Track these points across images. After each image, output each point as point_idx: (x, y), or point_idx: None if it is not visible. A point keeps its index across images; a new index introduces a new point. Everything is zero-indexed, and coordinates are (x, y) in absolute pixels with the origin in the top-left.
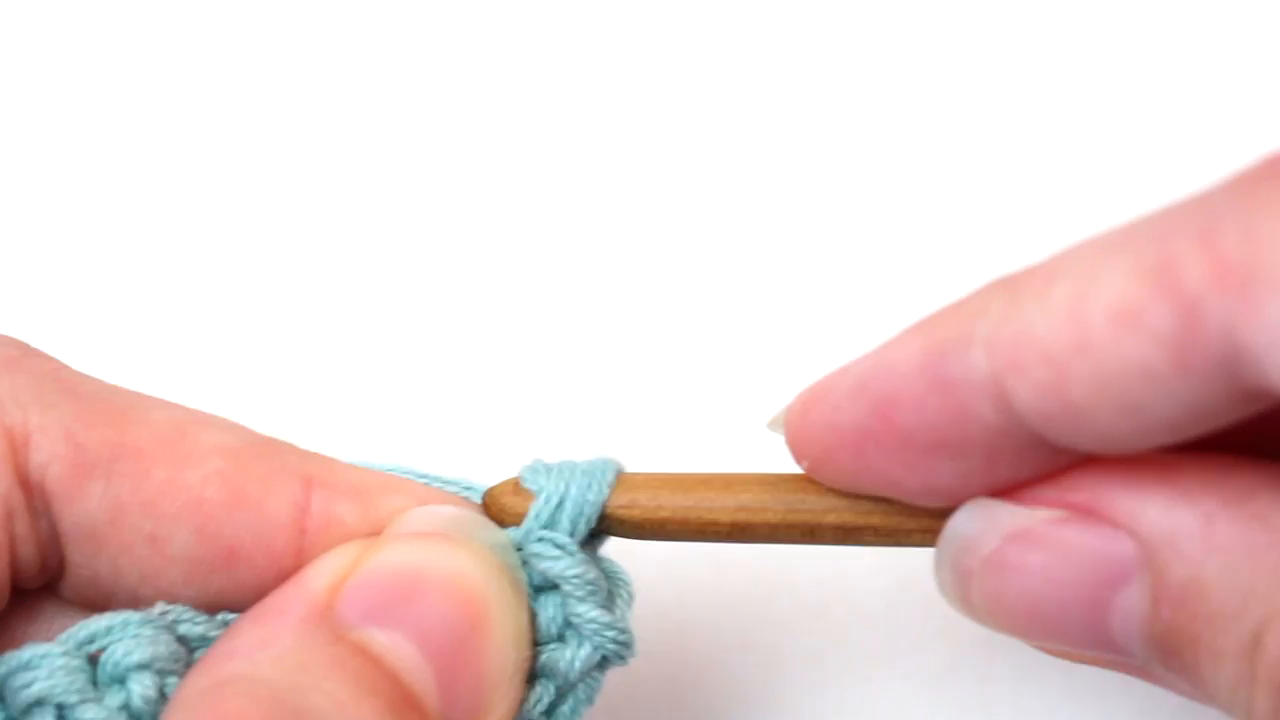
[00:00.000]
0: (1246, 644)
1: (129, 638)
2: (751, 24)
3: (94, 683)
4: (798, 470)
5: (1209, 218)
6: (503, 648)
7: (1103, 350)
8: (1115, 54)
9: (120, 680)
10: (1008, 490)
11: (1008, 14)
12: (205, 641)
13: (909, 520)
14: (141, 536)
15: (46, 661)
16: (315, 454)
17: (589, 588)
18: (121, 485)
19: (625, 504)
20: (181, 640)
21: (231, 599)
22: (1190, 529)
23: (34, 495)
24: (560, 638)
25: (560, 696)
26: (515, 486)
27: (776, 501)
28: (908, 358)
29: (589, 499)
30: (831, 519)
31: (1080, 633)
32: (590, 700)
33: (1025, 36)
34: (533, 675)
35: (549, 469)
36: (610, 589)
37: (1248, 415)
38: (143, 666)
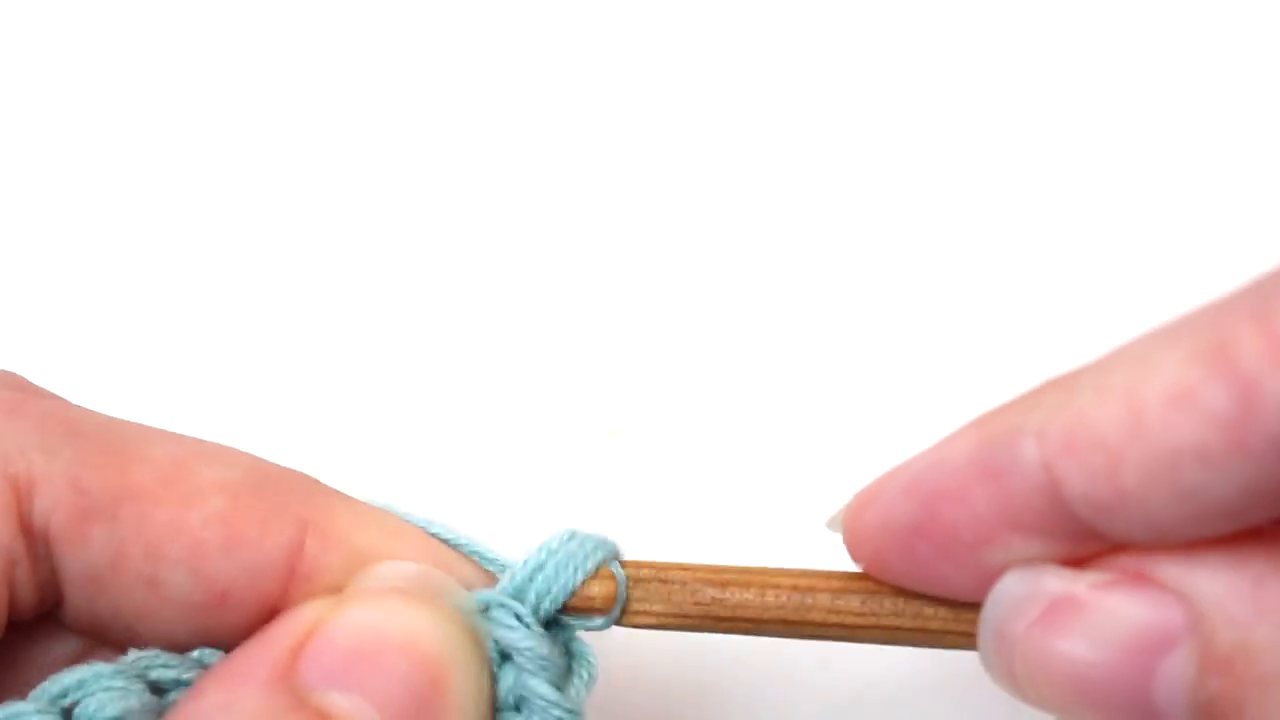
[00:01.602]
0: None
1: (101, 691)
2: (758, 19)
3: None
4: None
5: (1263, 297)
6: (462, 711)
7: (1157, 433)
8: (1116, 53)
9: None
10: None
11: (1007, 14)
12: (179, 685)
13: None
14: (141, 580)
15: (23, 719)
16: (318, 490)
17: (540, 662)
18: (124, 529)
19: (595, 596)
20: (155, 687)
21: (216, 637)
22: (1240, 592)
23: (36, 541)
24: (517, 708)
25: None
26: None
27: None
28: (960, 451)
29: (561, 579)
30: (834, 619)
31: (1124, 701)
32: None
33: (1026, 36)
34: None
35: (554, 538)
36: (570, 666)
37: None
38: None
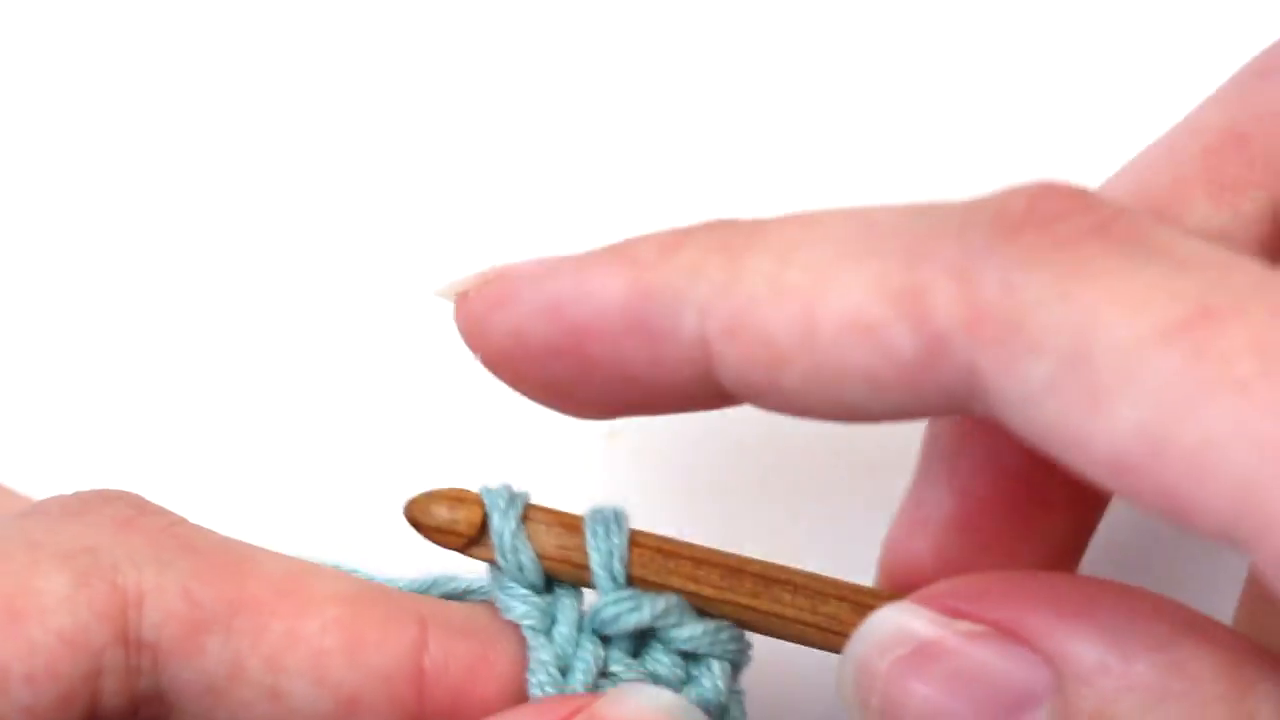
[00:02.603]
0: None
1: None
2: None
3: None
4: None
5: (966, 253)
6: None
7: (828, 352)
8: (1117, 51)
9: None
10: (925, 596)
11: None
12: None
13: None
14: (262, 692)
15: None
16: (425, 596)
17: (678, 610)
18: (240, 641)
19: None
20: None
21: None
22: (1108, 665)
23: (139, 654)
24: (687, 679)
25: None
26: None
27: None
28: (610, 293)
29: (615, 545)
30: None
31: None
32: (745, 717)
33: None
34: None
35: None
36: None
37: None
38: None
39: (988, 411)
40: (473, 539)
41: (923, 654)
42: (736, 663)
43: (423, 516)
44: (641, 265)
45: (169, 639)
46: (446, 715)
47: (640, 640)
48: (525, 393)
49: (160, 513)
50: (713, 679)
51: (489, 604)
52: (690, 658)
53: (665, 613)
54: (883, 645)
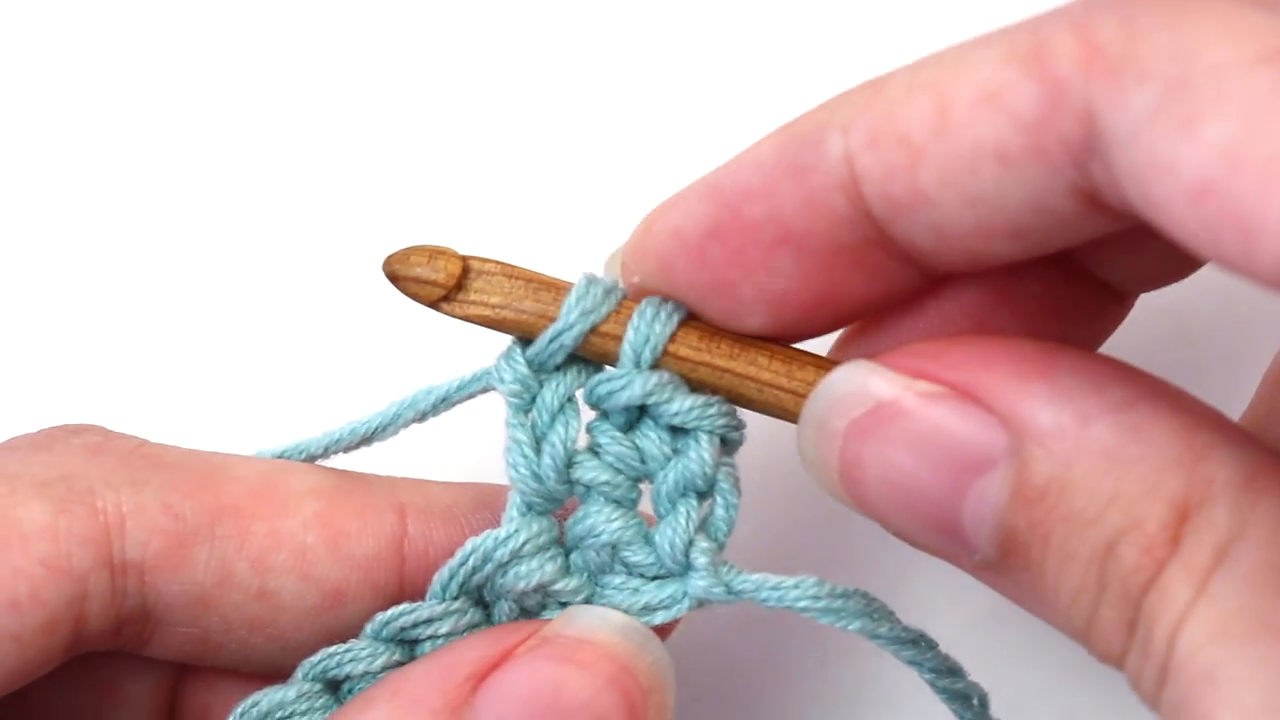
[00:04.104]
0: (1100, 550)
1: (286, 719)
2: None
3: None
4: None
5: (1087, 9)
6: None
7: (960, 131)
8: None
9: None
10: (887, 357)
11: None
12: (366, 677)
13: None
14: (250, 593)
15: None
16: (403, 479)
17: (670, 386)
18: (225, 546)
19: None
20: (334, 685)
21: (339, 636)
22: (1065, 427)
23: (124, 576)
24: (674, 452)
25: (705, 499)
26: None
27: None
28: (762, 152)
29: (656, 330)
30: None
31: (930, 515)
32: (737, 492)
33: None
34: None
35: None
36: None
37: (1083, 235)
38: None
39: (1100, 172)
40: (449, 292)
41: (880, 415)
42: (727, 439)
43: (401, 268)
44: (789, 124)
45: (154, 555)
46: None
47: (635, 416)
48: (687, 296)
49: (126, 437)
50: (699, 451)
51: (466, 484)
52: (679, 433)
53: (657, 388)
54: (841, 404)
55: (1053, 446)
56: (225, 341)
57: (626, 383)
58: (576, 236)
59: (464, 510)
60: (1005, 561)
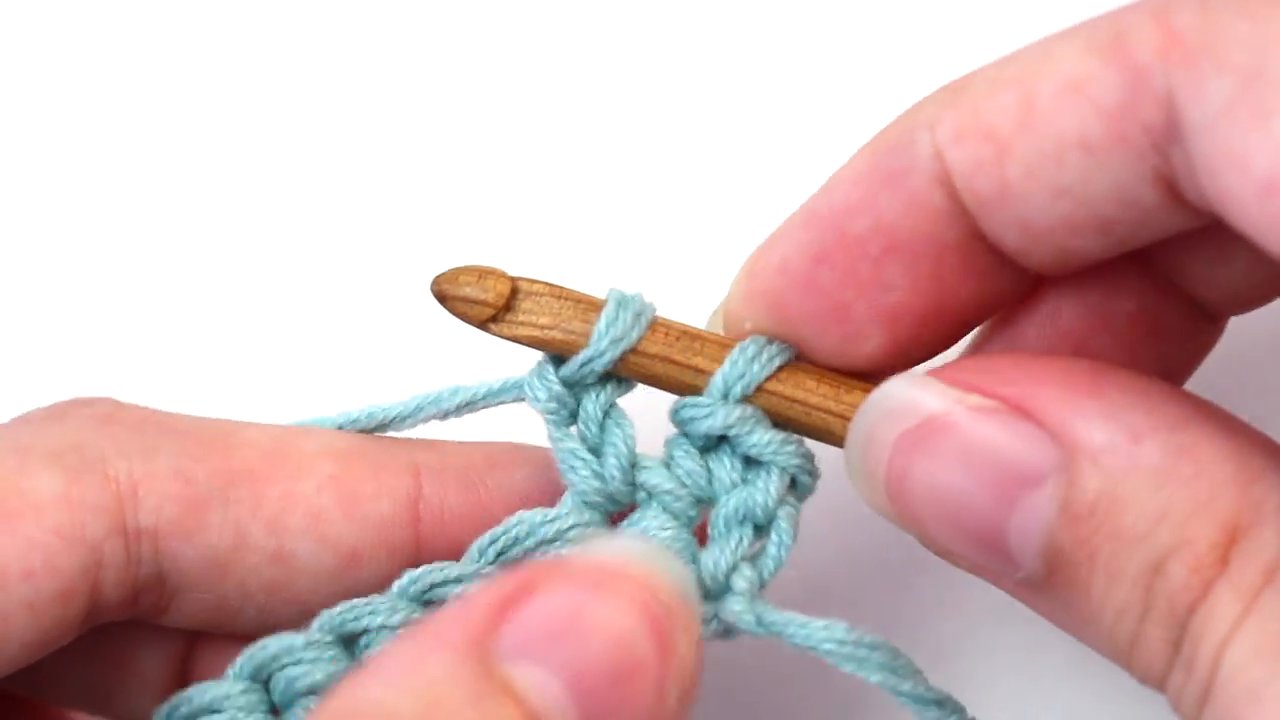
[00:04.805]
0: (1148, 568)
1: (293, 664)
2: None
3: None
4: None
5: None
6: (657, 705)
7: (1045, 121)
8: None
9: (289, 705)
10: (939, 371)
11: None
12: (384, 630)
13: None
14: (266, 556)
15: (229, 702)
16: (419, 440)
17: (753, 420)
18: (239, 510)
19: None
20: (349, 639)
21: (356, 597)
22: (1116, 444)
23: (138, 543)
24: (744, 481)
25: (761, 534)
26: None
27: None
28: (855, 169)
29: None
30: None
31: (976, 529)
32: (793, 535)
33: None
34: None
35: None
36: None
37: (1167, 230)
38: (311, 692)
39: (1180, 161)
40: (498, 312)
41: (930, 428)
42: (797, 480)
43: (450, 288)
44: (875, 139)
45: (168, 521)
46: (451, 554)
47: (714, 441)
48: (802, 331)
49: (137, 407)
50: (768, 484)
51: (480, 443)
52: (753, 465)
53: (739, 421)
54: (891, 416)
55: (1103, 463)
56: (241, 335)
57: (709, 412)
58: (601, 246)
59: (479, 470)
60: (1050, 579)
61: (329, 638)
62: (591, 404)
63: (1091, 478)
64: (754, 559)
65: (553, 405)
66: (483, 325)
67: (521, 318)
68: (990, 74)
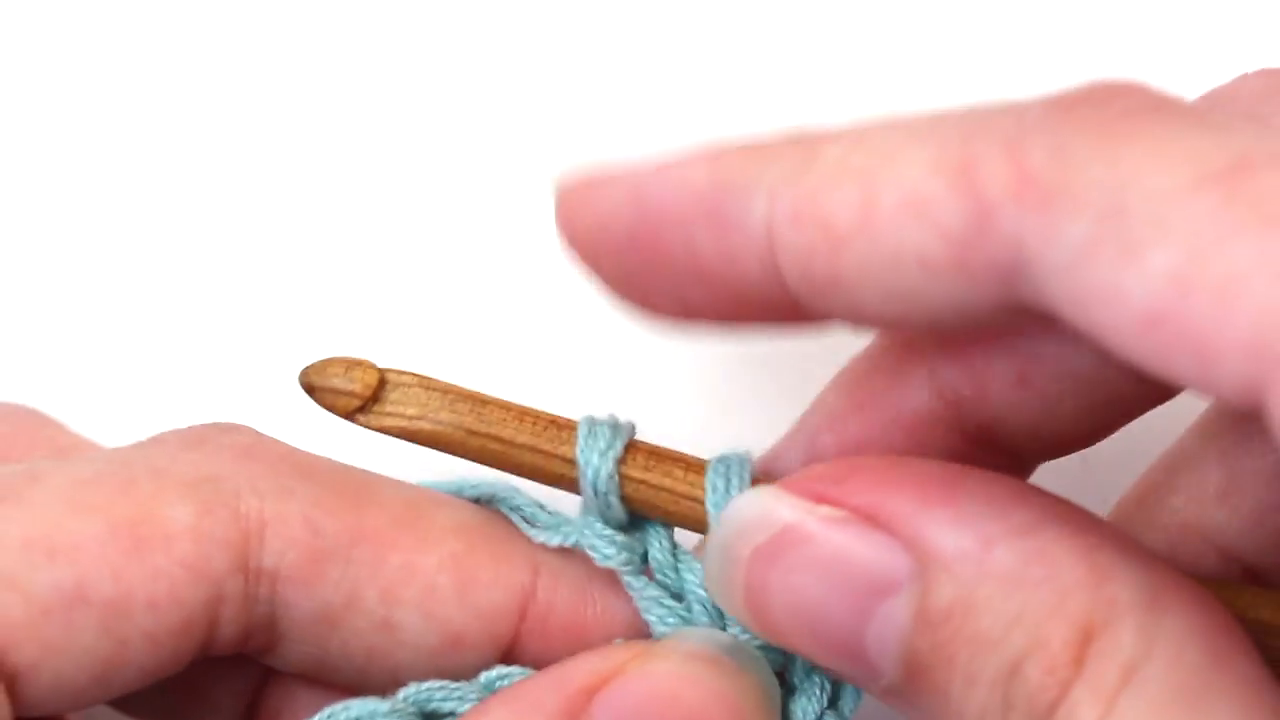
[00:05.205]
0: (1004, 671)
1: None
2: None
3: None
4: None
5: (1020, 128)
6: None
7: (884, 231)
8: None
9: None
10: (791, 482)
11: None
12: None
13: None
14: (375, 622)
15: None
16: (536, 543)
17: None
18: (360, 571)
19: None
20: (430, 718)
21: (450, 679)
22: (968, 551)
23: (258, 582)
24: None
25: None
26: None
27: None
28: (690, 180)
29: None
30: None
31: (836, 639)
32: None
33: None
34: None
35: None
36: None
37: (1005, 328)
38: None
39: (1030, 292)
40: (365, 403)
41: (784, 540)
42: None
43: (318, 379)
44: (723, 158)
45: (289, 567)
46: (541, 657)
47: None
48: (605, 283)
49: (276, 443)
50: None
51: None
52: None
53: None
54: (744, 531)
55: (956, 570)
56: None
57: (605, 557)
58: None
59: (595, 583)
60: (910, 685)
61: (412, 709)
62: (657, 549)
63: (945, 585)
64: (833, 702)
65: (624, 557)
66: (349, 416)
67: (389, 409)
68: (837, 155)
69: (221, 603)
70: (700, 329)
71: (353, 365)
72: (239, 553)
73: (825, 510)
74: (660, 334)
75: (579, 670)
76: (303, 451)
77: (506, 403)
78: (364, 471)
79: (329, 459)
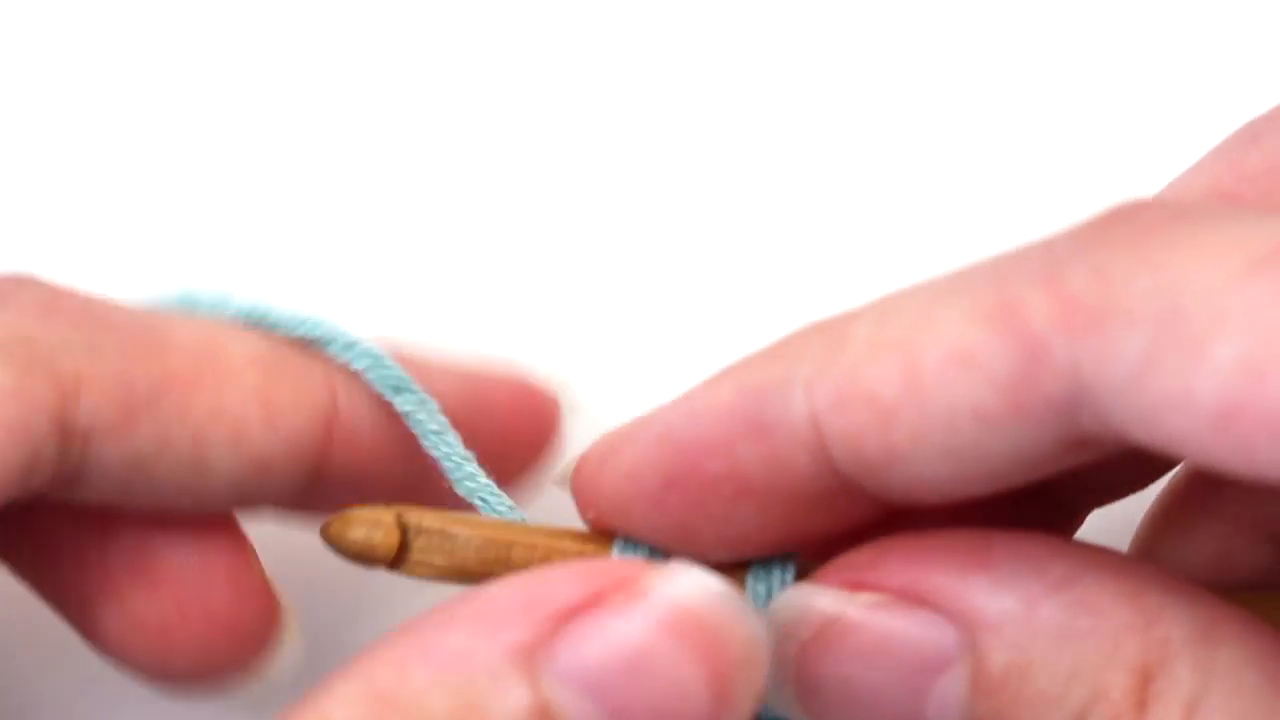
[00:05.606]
0: None
1: None
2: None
3: None
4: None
5: (1052, 261)
6: None
7: (934, 392)
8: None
9: None
10: (824, 574)
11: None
12: None
13: None
14: (186, 463)
15: None
16: (338, 361)
17: None
18: (168, 418)
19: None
20: None
21: (256, 506)
22: (1013, 614)
23: (70, 441)
24: None
25: None
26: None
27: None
28: (720, 403)
29: None
30: None
31: None
32: None
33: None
34: None
35: None
36: None
37: (1070, 466)
38: None
39: (1092, 421)
40: (392, 557)
41: (828, 633)
42: None
43: (338, 542)
44: (745, 371)
45: (104, 423)
46: (348, 479)
47: None
48: (646, 537)
49: (72, 293)
50: None
51: (400, 355)
52: None
53: None
54: (787, 632)
55: (1005, 634)
56: None
57: None
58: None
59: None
60: None
61: None
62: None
63: (997, 651)
64: None
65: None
66: (373, 567)
67: (417, 556)
68: (867, 333)
69: (36, 462)
70: (747, 553)
71: (374, 525)
72: (55, 413)
73: (865, 597)
74: (660, 334)
75: (554, 592)
76: (98, 300)
77: (533, 539)
78: (157, 315)
79: (120, 304)
